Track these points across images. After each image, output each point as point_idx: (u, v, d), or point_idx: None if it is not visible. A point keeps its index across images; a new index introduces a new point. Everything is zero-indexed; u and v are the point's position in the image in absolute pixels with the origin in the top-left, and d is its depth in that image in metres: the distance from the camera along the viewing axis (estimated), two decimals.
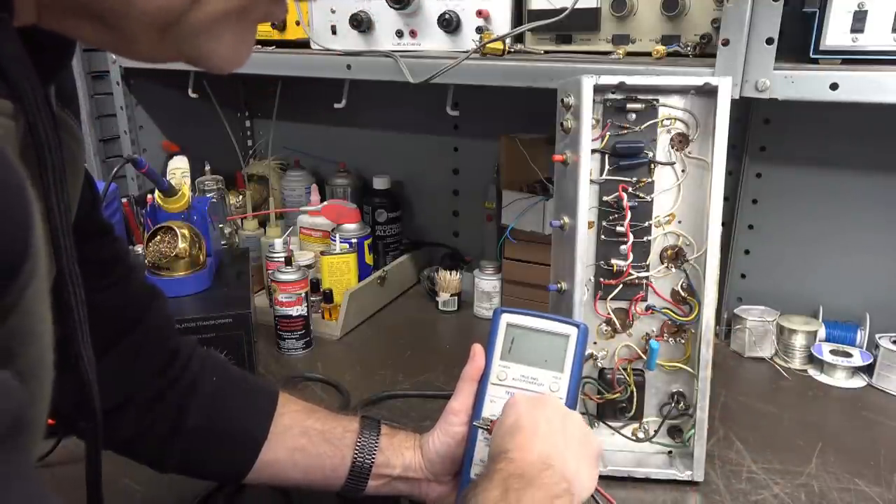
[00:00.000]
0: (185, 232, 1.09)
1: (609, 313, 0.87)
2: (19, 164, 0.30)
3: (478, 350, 0.73)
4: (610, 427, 0.89)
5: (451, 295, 1.37)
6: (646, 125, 0.82)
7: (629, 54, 0.99)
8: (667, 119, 0.83)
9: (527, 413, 0.63)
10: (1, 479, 0.27)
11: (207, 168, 1.44)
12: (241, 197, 1.54)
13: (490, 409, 0.70)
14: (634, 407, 0.87)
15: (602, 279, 0.85)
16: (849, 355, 1.11)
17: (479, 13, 1.04)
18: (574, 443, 0.62)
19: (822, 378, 1.11)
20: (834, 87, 0.81)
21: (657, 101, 0.82)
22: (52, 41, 0.41)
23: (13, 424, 0.27)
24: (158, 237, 1.09)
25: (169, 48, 0.41)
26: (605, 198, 0.84)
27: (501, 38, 1.01)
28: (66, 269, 0.40)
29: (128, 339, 0.65)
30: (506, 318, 0.72)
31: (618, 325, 0.87)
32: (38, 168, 0.38)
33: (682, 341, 0.87)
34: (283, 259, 1.23)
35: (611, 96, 0.82)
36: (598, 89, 0.80)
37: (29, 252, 0.31)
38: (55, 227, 0.39)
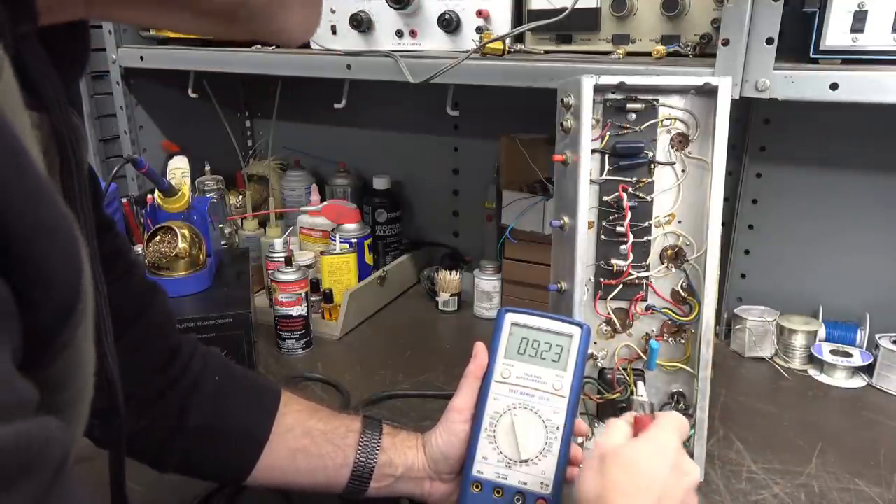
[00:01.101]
0: (185, 232, 1.09)
1: (609, 313, 0.87)
2: (67, 207, 0.31)
3: (480, 348, 0.73)
4: None
5: (451, 295, 1.37)
6: (646, 125, 0.82)
7: (629, 54, 0.99)
8: (667, 119, 0.83)
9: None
10: None
11: (207, 168, 1.44)
12: (241, 197, 1.54)
13: (493, 407, 0.70)
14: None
15: (602, 279, 0.85)
16: (849, 355, 1.11)
17: (479, 13, 1.04)
18: None
19: (822, 378, 1.11)
20: (834, 87, 0.81)
21: (657, 101, 0.82)
22: (72, 46, 0.42)
23: (62, 461, 0.29)
24: (158, 237, 1.09)
25: (239, 28, 0.41)
26: (605, 198, 0.84)
27: (501, 38, 1.01)
28: (92, 273, 0.41)
29: (128, 335, 0.65)
30: (510, 318, 0.73)
31: (618, 325, 0.87)
32: (60, 175, 0.38)
33: (682, 341, 0.87)
34: (283, 259, 1.23)
35: (611, 96, 0.82)
36: (598, 89, 0.80)
37: (81, 295, 0.33)
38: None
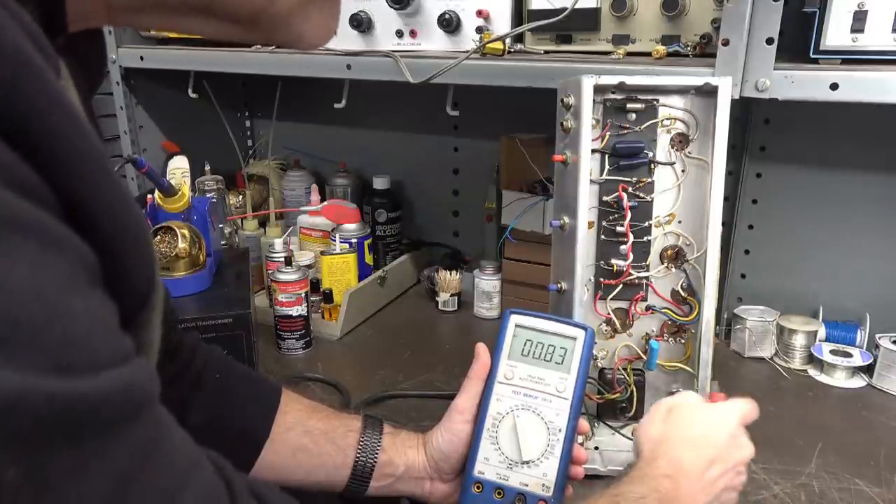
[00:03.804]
0: (185, 232, 1.09)
1: (609, 313, 0.87)
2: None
3: (482, 349, 0.73)
4: (610, 427, 0.89)
5: (451, 295, 1.37)
6: (646, 125, 0.82)
7: (629, 54, 0.99)
8: (667, 119, 0.83)
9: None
10: (164, 430, 0.36)
11: (207, 168, 1.44)
12: (241, 197, 1.54)
13: (496, 408, 0.70)
14: (634, 407, 0.87)
15: (602, 279, 0.85)
16: (849, 355, 1.11)
17: (479, 13, 1.04)
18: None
19: (822, 378, 1.11)
20: (834, 87, 0.81)
21: (657, 101, 0.82)
22: (90, 53, 0.42)
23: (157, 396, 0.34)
24: (158, 237, 1.09)
25: (260, 35, 0.43)
26: (605, 198, 0.84)
27: (501, 38, 1.01)
28: None
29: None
30: (514, 319, 0.73)
31: (618, 325, 0.88)
32: None
33: (682, 341, 0.87)
34: (283, 259, 1.23)
35: (611, 96, 0.82)
36: (598, 89, 0.80)
37: (154, 284, 0.37)
38: None
